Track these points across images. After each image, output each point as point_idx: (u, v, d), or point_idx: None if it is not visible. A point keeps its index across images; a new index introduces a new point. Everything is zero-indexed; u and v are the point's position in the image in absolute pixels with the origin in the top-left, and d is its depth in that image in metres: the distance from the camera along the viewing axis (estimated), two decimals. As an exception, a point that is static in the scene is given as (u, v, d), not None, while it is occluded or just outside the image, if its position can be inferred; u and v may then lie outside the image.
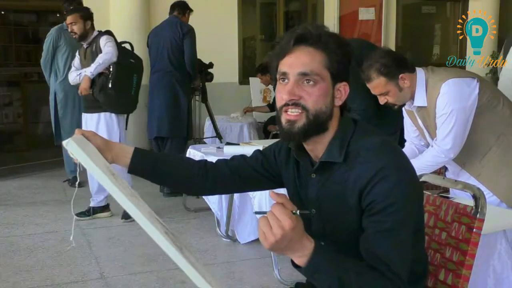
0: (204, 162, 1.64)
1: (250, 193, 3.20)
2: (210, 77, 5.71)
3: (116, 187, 1.12)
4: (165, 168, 1.60)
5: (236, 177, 1.62)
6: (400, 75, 2.47)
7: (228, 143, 4.03)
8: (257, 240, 3.77)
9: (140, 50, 6.07)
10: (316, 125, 1.34)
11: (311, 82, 1.33)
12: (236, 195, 3.66)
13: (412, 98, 2.55)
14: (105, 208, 4.39)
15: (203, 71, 5.58)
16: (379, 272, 1.26)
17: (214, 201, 3.77)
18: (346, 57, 1.38)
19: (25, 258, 3.55)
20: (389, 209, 1.27)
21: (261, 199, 3.09)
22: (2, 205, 4.81)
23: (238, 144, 3.97)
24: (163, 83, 5.07)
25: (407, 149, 2.74)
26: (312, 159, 1.44)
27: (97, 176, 1.14)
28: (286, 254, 1.21)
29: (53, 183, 5.65)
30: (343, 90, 1.38)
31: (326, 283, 1.24)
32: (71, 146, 1.16)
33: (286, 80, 1.35)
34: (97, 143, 1.48)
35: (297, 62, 1.34)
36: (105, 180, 1.12)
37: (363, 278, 1.24)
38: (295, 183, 1.51)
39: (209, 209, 3.95)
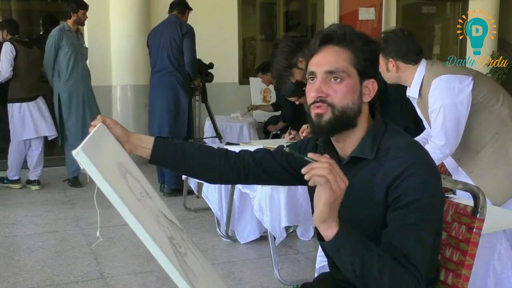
0: (225, 152, 1.66)
1: (250, 193, 3.20)
2: (210, 78, 5.71)
3: (123, 202, 1.09)
4: (187, 158, 1.61)
5: (260, 169, 1.64)
6: (390, 59, 2.51)
7: (228, 143, 4.03)
8: (257, 240, 3.78)
9: (140, 50, 6.12)
10: (343, 120, 1.38)
11: (338, 80, 1.38)
12: (236, 195, 3.66)
13: (407, 85, 2.60)
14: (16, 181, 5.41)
15: (203, 71, 5.58)
16: (399, 262, 1.27)
17: (214, 201, 3.77)
18: (373, 55, 1.43)
19: (25, 258, 3.56)
20: (415, 204, 1.31)
21: (261, 198, 3.09)
22: (2, 205, 4.81)
23: (238, 144, 3.97)
24: (163, 83, 5.06)
25: (419, 137, 2.76)
26: (340, 155, 1.47)
27: (107, 192, 1.10)
28: (322, 219, 1.23)
29: (53, 183, 5.65)
30: (371, 87, 1.42)
31: (349, 259, 1.26)
32: (81, 157, 1.10)
33: (315, 79, 1.40)
34: (116, 133, 1.48)
35: (324, 61, 1.39)
36: (114, 198, 1.08)
37: (384, 262, 1.26)
38: None
39: (209, 209, 3.95)
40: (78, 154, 1.09)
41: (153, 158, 1.56)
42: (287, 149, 1.34)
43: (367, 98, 1.42)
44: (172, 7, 5.19)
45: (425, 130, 2.81)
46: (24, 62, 5.21)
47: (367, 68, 1.40)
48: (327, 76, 1.38)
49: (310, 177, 1.20)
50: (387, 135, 1.42)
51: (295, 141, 2.78)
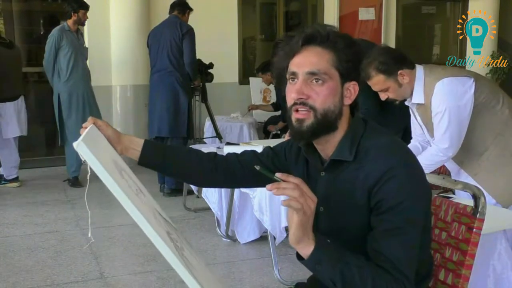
0: (213, 155, 1.66)
1: (250, 193, 3.20)
2: (210, 78, 5.70)
3: (123, 192, 1.11)
4: (175, 161, 1.61)
5: (246, 171, 1.63)
6: (399, 72, 2.49)
7: (228, 143, 4.03)
8: (257, 240, 3.78)
9: (140, 50, 6.12)
10: (324, 124, 1.36)
11: (320, 81, 1.35)
12: (236, 195, 3.66)
13: (411, 94, 2.57)
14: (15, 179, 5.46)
15: (203, 71, 5.57)
16: (384, 269, 1.27)
17: (214, 201, 3.77)
18: (356, 57, 1.40)
19: (25, 258, 3.56)
20: (397, 208, 1.29)
21: (261, 198, 3.09)
22: (2, 205, 4.81)
23: (238, 144, 3.97)
24: (163, 83, 5.06)
25: (411, 146, 2.74)
26: (322, 157, 1.46)
27: (106, 181, 1.12)
28: (298, 236, 1.25)
29: (53, 183, 5.65)
30: (352, 89, 1.40)
31: (328, 275, 1.27)
32: (82, 148, 1.12)
33: (296, 80, 1.37)
34: (108, 134, 1.49)
35: (306, 61, 1.36)
36: (114, 186, 1.10)
37: (365, 273, 1.26)
38: (304, 181, 1.52)
39: (209, 209, 3.95)
40: (79, 145, 1.11)
41: (142, 160, 1.57)
42: (257, 167, 1.31)
43: (348, 101, 1.40)
44: (172, 7, 5.19)
45: (412, 141, 2.80)
46: (7, 63, 5.28)
47: (349, 70, 1.38)
48: (309, 78, 1.35)
49: (281, 194, 1.20)
50: (367, 135, 1.40)
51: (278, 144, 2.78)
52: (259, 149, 1.71)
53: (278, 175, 1.23)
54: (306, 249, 1.26)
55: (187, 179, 1.76)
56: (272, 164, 1.61)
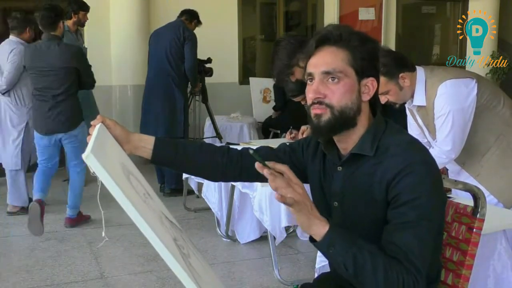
0: (226, 149, 1.66)
1: (250, 193, 3.19)
2: (210, 74, 5.66)
3: (134, 208, 1.08)
4: (188, 157, 1.61)
5: None
6: (400, 75, 2.48)
7: (228, 143, 4.03)
8: (257, 240, 3.78)
9: (140, 50, 6.12)
10: (342, 120, 1.39)
11: (335, 80, 1.38)
12: (236, 195, 3.66)
13: (412, 96, 2.56)
14: None
15: (202, 70, 5.56)
16: (396, 260, 1.28)
17: (214, 201, 3.77)
18: (371, 53, 1.42)
19: (25, 258, 3.56)
20: (414, 202, 1.31)
21: (261, 199, 3.09)
22: (2, 205, 4.80)
23: (238, 144, 3.97)
24: (159, 82, 5.05)
25: None
26: (340, 153, 1.48)
27: (117, 196, 1.08)
28: (305, 222, 1.27)
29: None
30: (370, 85, 1.42)
31: (340, 259, 1.28)
32: (91, 161, 1.07)
33: (313, 80, 1.41)
34: (116, 134, 1.47)
35: (320, 62, 1.40)
36: (125, 202, 1.07)
37: (378, 260, 1.27)
38: (320, 177, 1.54)
39: (209, 209, 3.95)
40: (89, 158, 1.07)
41: (154, 158, 1.56)
42: (251, 151, 1.35)
43: (366, 97, 1.42)
44: (182, 13, 5.20)
45: None
46: None
47: (365, 67, 1.40)
48: (325, 77, 1.39)
49: (281, 199, 1.24)
50: (387, 132, 1.42)
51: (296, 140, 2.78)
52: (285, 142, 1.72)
53: (268, 163, 1.28)
54: (320, 231, 1.28)
55: (201, 174, 1.76)
56: (289, 160, 1.62)
